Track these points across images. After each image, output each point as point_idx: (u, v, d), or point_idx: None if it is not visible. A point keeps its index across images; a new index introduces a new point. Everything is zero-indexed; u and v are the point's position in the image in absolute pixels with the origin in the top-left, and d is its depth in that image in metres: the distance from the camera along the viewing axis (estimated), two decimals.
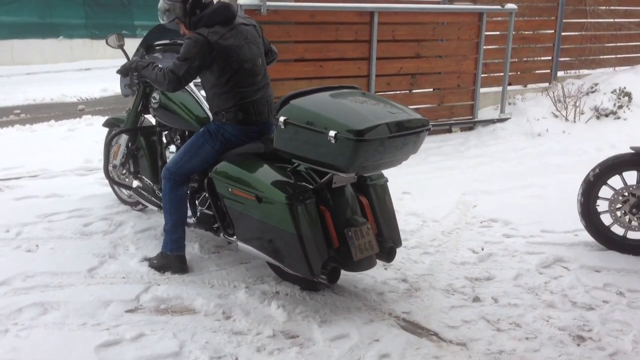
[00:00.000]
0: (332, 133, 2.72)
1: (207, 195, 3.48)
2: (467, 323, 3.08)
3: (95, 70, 11.47)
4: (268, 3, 5.50)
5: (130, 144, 4.23)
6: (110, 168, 4.39)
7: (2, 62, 11.59)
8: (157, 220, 4.08)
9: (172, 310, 3.14)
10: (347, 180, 3.13)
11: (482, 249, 3.93)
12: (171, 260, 3.54)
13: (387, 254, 3.23)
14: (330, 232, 3.03)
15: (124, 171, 4.31)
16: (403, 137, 2.86)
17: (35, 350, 2.74)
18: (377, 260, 3.21)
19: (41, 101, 8.96)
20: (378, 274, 3.58)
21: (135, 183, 4.24)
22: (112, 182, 4.37)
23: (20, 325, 2.93)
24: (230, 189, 3.22)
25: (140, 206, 4.35)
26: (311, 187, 3.09)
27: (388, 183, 3.40)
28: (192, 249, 3.81)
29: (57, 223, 4.16)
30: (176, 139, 3.93)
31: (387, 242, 3.24)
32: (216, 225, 3.51)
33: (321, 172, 3.04)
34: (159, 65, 3.41)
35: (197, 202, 3.66)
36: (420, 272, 3.63)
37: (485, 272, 3.63)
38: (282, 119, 2.91)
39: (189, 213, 3.63)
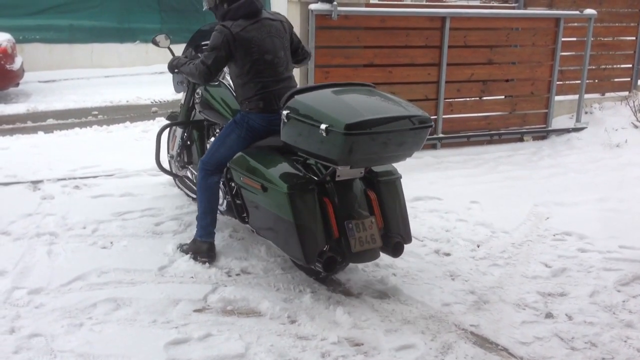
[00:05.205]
0: (323, 126, 2.83)
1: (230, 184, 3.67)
2: (540, 340, 2.97)
3: (168, 74, 11.74)
4: (339, 8, 5.51)
5: (183, 136, 4.51)
6: (168, 158, 4.74)
7: (83, 65, 12.06)
8: (225, 222, 4.14)
9: (238, 312, 3.18)
10: (352, 174, 3.21)
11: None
12: (200, 246, 3.69)
13: (393, 249, 3.26)
14: (331, 223, 3.11)
15: (179, 162, 4.59)
16: (398, 132, 2.92)
17: (107, 345, 2.83)
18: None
19: (118, 103, 9.28)
20: (445, 284, 3.51)
21: (184, 173, 4.51)
22: (164, 171, 4.63)
23: (94, 319, 3.04)
24: (242, 178, 3.42)
25: None
26: (316, 179, 3.20)
27: (403, 180, 3.42)
28: (258, 252, 3.85)
29: (131, 221, 4.28)
30: (216, 132, 4.13)
31: (393, 237, 3.27)
32: (244, 214, 3.62)
33: (328, 166, 3.13)
34: (193, 61, 3.67)
35: (225, 191, 3.80)
36: (489, 284, 3.53)
37: (558, 288, 3.49)
38: (285, 112, 3.06)
39: (220, 201, 3.79)
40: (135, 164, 5.57)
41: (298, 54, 3.84)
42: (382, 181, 3.34)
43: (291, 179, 3.15)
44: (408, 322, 3.11)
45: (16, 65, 9.38)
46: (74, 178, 5.20)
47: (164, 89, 9.76)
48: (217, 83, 4.13)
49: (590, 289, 3.46)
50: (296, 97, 3.10)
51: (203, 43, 4.32)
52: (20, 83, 9.72)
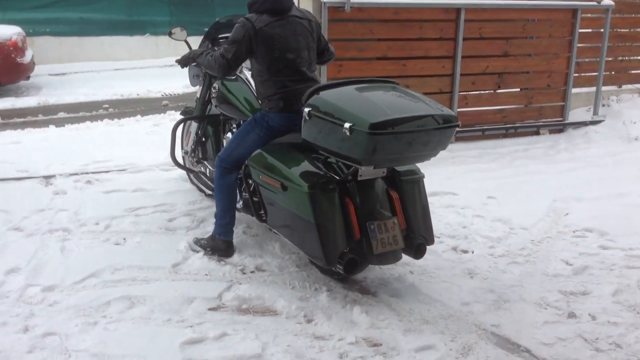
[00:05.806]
0: (347, 125, 2.74)
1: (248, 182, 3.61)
2: (563, 341, 2.89)
3: (178, 66, 11.75)
4: (352, 0, 5.42)
5: (199, 132, 4.45)
6: (182, 154, 4.69)
7: (93, 58, 12.04)
8: (239, 218, 4.07)
9: (253, 311, 3.12)
10: (374, 174, 3.12)
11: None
12: (219, 243, 3.66)
13: (415, 251, 3.20)
14: (352, 224, 3.04)
15: (193, 157, 4.53)
16: (423, 132, 2.82)
17: (122, 344, 2.78)
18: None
19: (128, 96, 9.25)
20: (463, 282, 3.44)
21: (199, 168, 4.46)
22: (179, 166, 4.59)
23: (108, 318, 2.99)
24: (260, 176, 3.34)
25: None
26: (337, 178, 3.12)
27: (425, 179, 3.33)
28: (272, 248, 3.79)
29: (144, 217, 4.24)
30: (233, 128, 4.07)
31: (416, 239, 3.20)
32: (261, 211, 3.56)
33: (349, 165, 3.04)
34: (211, 52, 3.57)
35: (242, 188, 3.74)
36: (509, 282, 3.46)
37: (580, 286, 3.42)
38: (306, 110, 2.97)
39: (237, 198, 3.73)
40: (147, 159, 5.53)
41: (324, 55, 3.76)
42: (405, 180, 3.25)
43: (312, 178, 3.07)
44: (427, 321, 3.04)
45: (27, 58, 9.37)
46: (86, 173, 5.17)
47: (174, 82, 9.76)
48: (234, 77, 4.06)
49: (613, 288, 3.38)
50: (319, 94, 3.00)
51: (220, 36, 4.26)
52: (30, 76, 9.73)
